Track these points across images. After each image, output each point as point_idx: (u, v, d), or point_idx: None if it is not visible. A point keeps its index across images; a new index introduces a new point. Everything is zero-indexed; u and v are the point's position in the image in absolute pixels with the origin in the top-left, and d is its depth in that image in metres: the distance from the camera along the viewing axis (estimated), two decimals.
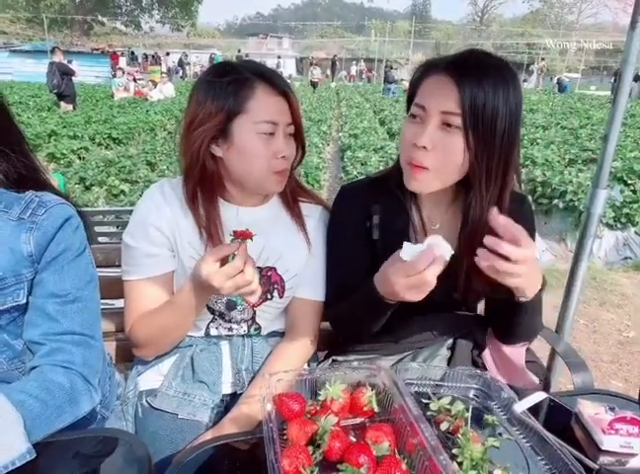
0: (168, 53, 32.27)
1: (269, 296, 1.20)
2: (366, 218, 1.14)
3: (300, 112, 1.14)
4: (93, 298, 0.98)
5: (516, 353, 1.16)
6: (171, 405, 1.12)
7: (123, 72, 16.86)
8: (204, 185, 1.11)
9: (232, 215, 1.16)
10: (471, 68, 0.96)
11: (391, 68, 21.53)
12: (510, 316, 1.05)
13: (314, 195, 1.30)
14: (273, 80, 1.07)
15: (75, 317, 0.93)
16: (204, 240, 1.12)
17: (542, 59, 32.79)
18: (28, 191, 0.94)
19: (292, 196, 1.22)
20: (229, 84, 1.03)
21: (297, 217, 1.22)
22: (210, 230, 1.11)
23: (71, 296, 0.93)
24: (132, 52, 31.92)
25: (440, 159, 0.98)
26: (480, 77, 0.94)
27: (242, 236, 0.96)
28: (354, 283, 1.12)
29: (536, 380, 1.16)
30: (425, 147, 0.97)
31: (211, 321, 1.21)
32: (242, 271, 0.94)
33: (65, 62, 11.94)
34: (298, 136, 1.14)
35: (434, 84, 0.99)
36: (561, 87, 22.08)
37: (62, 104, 11.67)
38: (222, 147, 1.07)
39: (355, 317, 1.12)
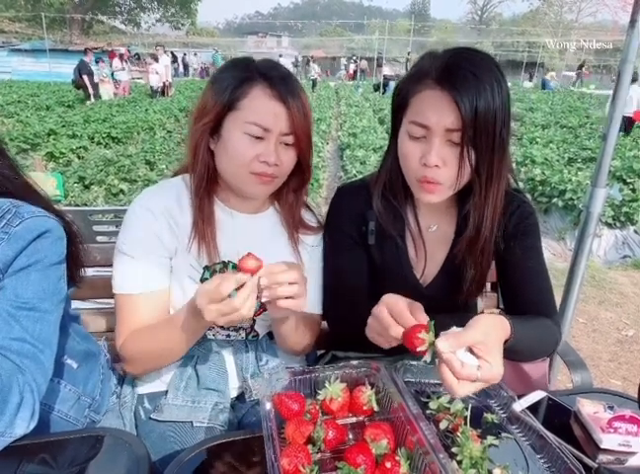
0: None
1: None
2: (362, 223, 1.13)
3: (307, 123, 1.04)
4: (53, 313, 0.90)
5: (534, 368, 1.15)
6: (181, 414, 1.08)
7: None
8: (202, 181, 1.08)
9: (227, 219, 1.14)
10: (466, 76, 0.91)
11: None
12: None
13: (314, 213, 1.26)
14: (274, 83, 1.01)
15: (28, 325, 0.85)
16: (196, 240, 1.07)
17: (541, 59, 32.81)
18: (7, 198, 0.88)
19: (291, 208, 1.18)
20: (230, 80, 1.03)
21: (294, 230, 1.19)
22: (204, 229, 1.07)
23: (29, 304, 0.86)
24: (129, 51, 31.82)
25: (452, 173, 0.97)
26: (477, 84, 0.90)
27: (249, 272, 0.87)
28: (351, 286, 1.13)
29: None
30: (437, 165, 0.95)
31: (208, 329, 1.16)
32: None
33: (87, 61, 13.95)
34: (301, 151, 1.06)
35: (430, 100, 0.94)
36: (544, 86, 24.90)
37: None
38: (215, 141, 1.06)
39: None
